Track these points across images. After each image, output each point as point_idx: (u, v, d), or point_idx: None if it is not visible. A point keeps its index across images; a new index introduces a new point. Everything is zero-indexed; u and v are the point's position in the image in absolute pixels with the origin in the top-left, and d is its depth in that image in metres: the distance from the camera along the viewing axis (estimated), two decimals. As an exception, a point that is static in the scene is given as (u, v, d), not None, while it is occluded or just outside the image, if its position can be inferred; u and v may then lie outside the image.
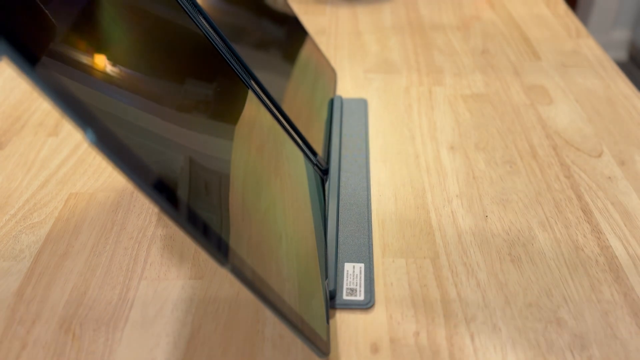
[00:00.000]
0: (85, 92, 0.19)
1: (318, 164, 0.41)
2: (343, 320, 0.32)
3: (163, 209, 0.20)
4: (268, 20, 0.46)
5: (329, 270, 0.34)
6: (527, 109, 0.50)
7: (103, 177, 0.43)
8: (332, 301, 0.32)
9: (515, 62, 0.58)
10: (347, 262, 0.35)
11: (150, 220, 0.38)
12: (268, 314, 0.32)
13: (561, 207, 0.39)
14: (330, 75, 0.54)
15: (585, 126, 0.47)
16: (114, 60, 0.23)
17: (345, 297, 0.33)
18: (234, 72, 0.35)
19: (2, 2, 0.17)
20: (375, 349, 0.30)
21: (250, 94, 0.36)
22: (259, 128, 0.34)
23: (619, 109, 0.50)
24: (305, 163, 0.39)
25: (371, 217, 0.39)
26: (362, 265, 0.35)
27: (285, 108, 0.39)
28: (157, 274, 0.34)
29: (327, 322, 0.30)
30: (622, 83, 0.53)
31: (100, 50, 0.23)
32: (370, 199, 0.40)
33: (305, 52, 0.50)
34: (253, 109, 0.35)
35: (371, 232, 0.37)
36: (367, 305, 0.32)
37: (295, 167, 0.37)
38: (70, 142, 0.46)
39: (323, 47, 0.62)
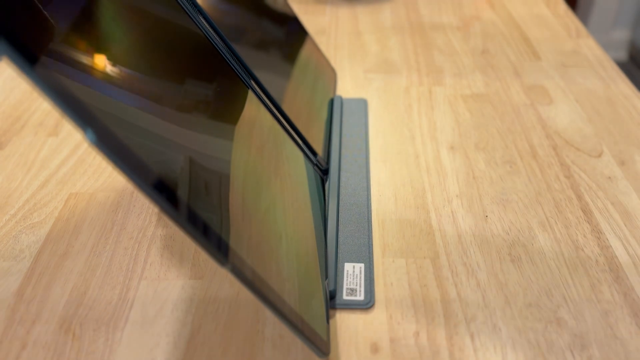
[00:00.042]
0: (85, 92, 0.19)
1: (318, 164, 0.41)
2: (343, 320, 0.32)
3: (163, 209, 0.20)
4: (268, 20, 0.46)
5: (329, 270, 0.34)
6: (527, 109, 0.50)
7: (103, 177, 0.43)
8: (332, 301, 0.32)
9: (515, 62, 0.58)
10: (347, 262, 0.35)
11: (150, 220, 0.38)
12: (268, 314, 0.32)
13: (561, 207, 0.39)
14: (330, 75, 0.54)
15: (585, 126, 0.47)
16: (114, 60, 0.23)
17: (345, 297, 0.33)
18: (234, 72, 0.35)
19: (2, 2, 0.17)
20: (375, 349, 0.30)
21: (250, 94, 0.36)
22: (259, 128, 0.34)
23: (619, 109, 0.50)
24: (305, 163, 0.39)
25: (371, 217, 0.39)
26: (362, 265, 0.35)
27: (285, 108, 0.39)
28: (157, 274, 0.34)
29: (327, 322, 0.30)
30: (622, 83, 0.53)
31: (100, 50, 0.23)
32: (370, 199, 0.40)
33: (305, 52, 0.50)
34: (253, 109, 0.35)
35: (371, 232, 0.37)
36: (367, 305, 0.32)
37: (295, 167, 0.37)
38: (70, 142, 0.46)
39: (323, 47, 0.62)
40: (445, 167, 0.43)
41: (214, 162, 0.26)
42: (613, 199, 0.40)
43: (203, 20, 0.35)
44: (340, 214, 0.39)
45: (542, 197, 0.40)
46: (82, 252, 0.36)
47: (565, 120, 0.48)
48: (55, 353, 0.30)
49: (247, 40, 0.40)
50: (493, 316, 0.32)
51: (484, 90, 0.53)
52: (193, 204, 0.21)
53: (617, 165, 0.43)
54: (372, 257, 0.35)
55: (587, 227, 0.37)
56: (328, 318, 0.31)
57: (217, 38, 0.35)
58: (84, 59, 0.21)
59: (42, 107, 0.51)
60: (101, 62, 0.22)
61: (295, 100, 0.42)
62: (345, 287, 0.33)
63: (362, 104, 0.51)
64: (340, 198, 0.40)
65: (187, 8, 0.33)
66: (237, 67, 0.36)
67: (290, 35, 0.49)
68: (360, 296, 0.33)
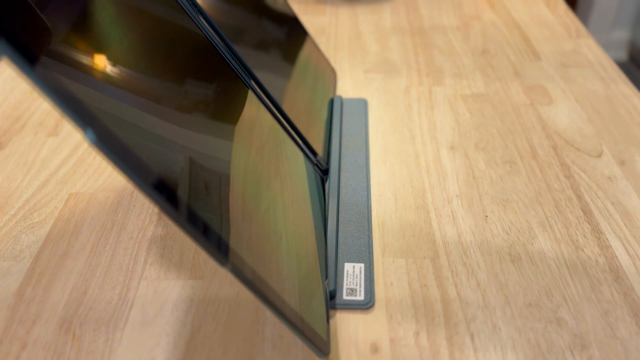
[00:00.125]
0: (85, 92, 0.19)
1: (318, 164, 0.41)
2: (343, 320, 0.32)
3: (163, 209, 0.20)
4: (268, 20, 0.46)
5: (329, 270, 0.34)
6: (527, 109, 0.50)
7: (103, 177, 0.43)
8: (332, 301, 0.32)
9: (515, 62, 0.58)
10: (347, 262, 0.35)
11: (150, 220, 0.38)
12: (268, 314, 0.32)
13: (561, 207, 0.39)
14: (330, 75, 0.54)
15: (585, 126, 0.47)
16: (114, 61, 0.23)
17: (345, 297, 0.33)
18: (234, 72, 0.35)
19: (2, 3, 0.17)
20: (375, 349, 0.30)
21: (250, 94, 0.36)
22: (259, 128, 0.34)
23: (619, 109, 0.50)
24: (305, 163, 0.39)
25: (371, 217, 0.39)
26: (362, 265, 0.35)
27: (285, 108, 0.39)
28: (157, 274, 0.34)
29: (327, 322, 0.30)
30: (622, 83, 0.53)
31: (100, 50, 0.23)
32: (370, 199, 0.40)
33: (305, 52, 0.50)
34: (253, 109, 0.35)
35: (371, 232, 0.37)
36: (367, 305, 0.32)
37: (295, 167, 0.37)
38: (70, 142, 0.46)
39: (323, 47, 0.62)
40: (445, 167, 0.43)
41: (214, 162, 0.26)
42: (613, 199, 0.40)
43: (203, 20, 0.35)
44: (340, 214, 0.39)
45: (542, 197, 0.40)
46: (82, 252, 0.36)
47: (565, 120, 0.48)
48: (55, 353, 0.30)
49: (247, 40, 0.40)
50: (493, 316, 0.32)
51: (484, 90, 0.53)
52: (193, 204, 0.21)
53: (617, 165, 0.43)
54: (372, 257, 0.35)
55: (587, 227, 0.37)
56: (328, 318, 0.31)
57: (217, 38, 0.35)
58: (84, 59, 0.21)
59: (42, 107, 0.51)
60: (101, 62, 0.22)
61: (295, 100, 0.42)
62: (345, 287, 0.33)
63: (362, 104, 0.51)
64: (340, 198, 0.40)
65: (187, 8, 0.33)
66: (237, 67, 0.36)
67: (290, 35, 0.49)
68: (360, 296, 0.33)
